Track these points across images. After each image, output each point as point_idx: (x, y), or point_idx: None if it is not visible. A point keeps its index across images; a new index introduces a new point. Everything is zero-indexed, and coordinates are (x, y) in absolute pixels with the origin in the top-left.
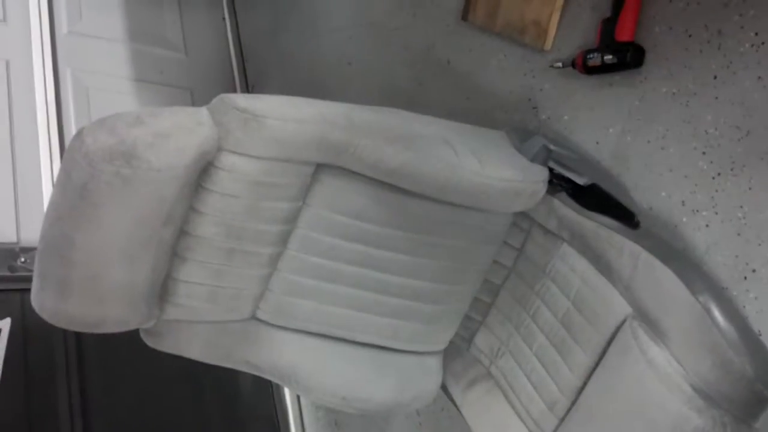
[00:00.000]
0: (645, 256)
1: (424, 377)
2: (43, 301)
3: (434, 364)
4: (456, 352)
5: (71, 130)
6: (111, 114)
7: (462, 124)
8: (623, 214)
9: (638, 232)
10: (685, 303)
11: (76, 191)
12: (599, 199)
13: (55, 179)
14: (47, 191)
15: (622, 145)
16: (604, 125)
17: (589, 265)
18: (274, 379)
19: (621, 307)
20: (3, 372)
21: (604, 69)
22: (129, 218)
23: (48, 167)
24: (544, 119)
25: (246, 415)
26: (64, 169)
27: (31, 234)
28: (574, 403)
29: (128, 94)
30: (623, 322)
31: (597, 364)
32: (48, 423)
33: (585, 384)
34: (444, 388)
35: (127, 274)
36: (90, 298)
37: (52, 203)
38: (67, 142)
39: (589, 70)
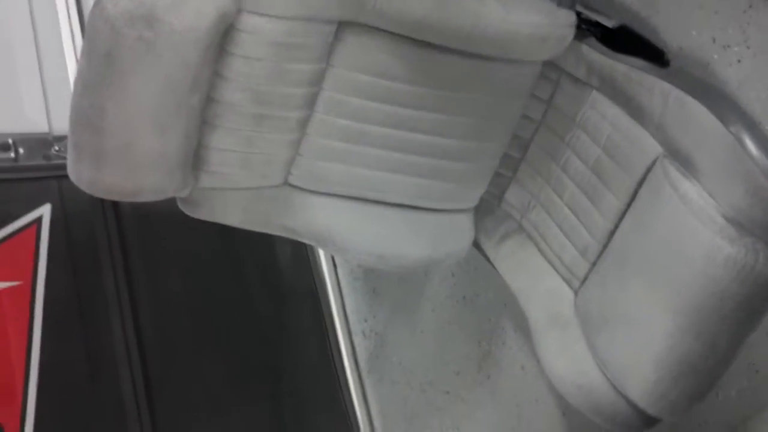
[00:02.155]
0: (676, 93)
1: (456, 234)
2: (80, 172)
3: (466, 221)
4: (487, 209)
5: (89, 6)
6: None
7: None
8: (653, 54)
9: (669, 71)
10: (717, 134)
11: (101, 59)
12: (629, 41)
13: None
14: (73, 77)
15: None
16: None
17: (619, 110)
18: (311, 242)
19: (652, 148)
20: (48, 256)
21: None
22: (156, 84)
23: (72, 52)
24: None
25: (287, 289)
26: (87, 38)
27: (62, 122)
28: (605, 246)
29: None
30: (654, 162)
31: (628, 207)
32: (96, 302)
33: (616, 227)
34: (477, 245)
35: (159, 142)
36: (125, 167)
37: (79, 73)
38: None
39: None
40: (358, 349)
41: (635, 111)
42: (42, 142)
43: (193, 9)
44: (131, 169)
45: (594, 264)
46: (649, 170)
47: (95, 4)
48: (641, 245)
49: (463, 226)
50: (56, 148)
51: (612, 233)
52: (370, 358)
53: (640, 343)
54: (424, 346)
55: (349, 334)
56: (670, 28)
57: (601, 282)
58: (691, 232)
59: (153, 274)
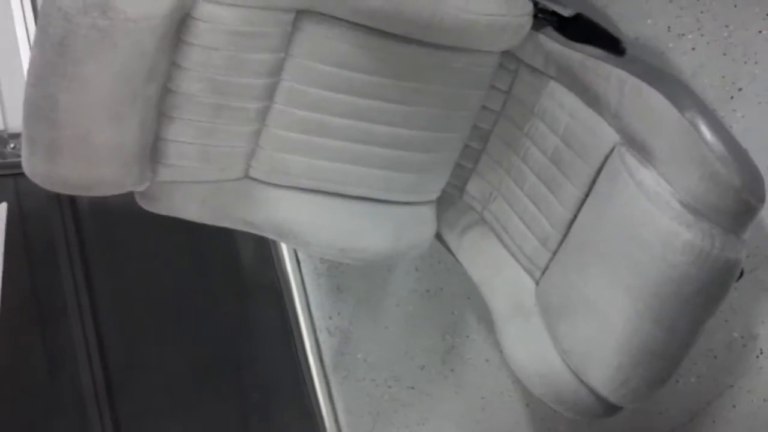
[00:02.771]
0: (632, 80)
1: (418, 226)
2: (34, 166)
3: (428, 213)
4: (449, 201)
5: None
6: None
7: None
8: (609, 42)
9: (625, 59)
10: (672, 121)
11: (54, 48)
12: (585, 30)
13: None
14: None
15: None
16: None
17: (576, 99)
18: (272, 236)
19: (609, 136)
20: (5, 256)
21: None
22: (111, 74)
23: (26, 45)
24: None
25: (249, 285)
26: (40, 27)
27: (18, 120)
28: (565, 236)
29: None
30: (612, 150)
31: (587, 195)
32: (55, 301)
33: (576, 216)
34: (439, 237)
35: (115, 133)
36: (81, 159)
37: (32, 63)
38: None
39: None
40: (322, 347)
41: (592, 100)
42: None
43: None
44: (87, 161)
45: (555, 253)
46: (606, 158)
47: None
48: (600, 233)
49: (426, 218)
50: (11, 145)
51: (572, 222)
52: (335, 355)
53: (600, 330)
54: (388, 342)
55: (313, 331)
56: (626, 17)
57: (562, 271)
58: (648, 218)
59: (112, 271)
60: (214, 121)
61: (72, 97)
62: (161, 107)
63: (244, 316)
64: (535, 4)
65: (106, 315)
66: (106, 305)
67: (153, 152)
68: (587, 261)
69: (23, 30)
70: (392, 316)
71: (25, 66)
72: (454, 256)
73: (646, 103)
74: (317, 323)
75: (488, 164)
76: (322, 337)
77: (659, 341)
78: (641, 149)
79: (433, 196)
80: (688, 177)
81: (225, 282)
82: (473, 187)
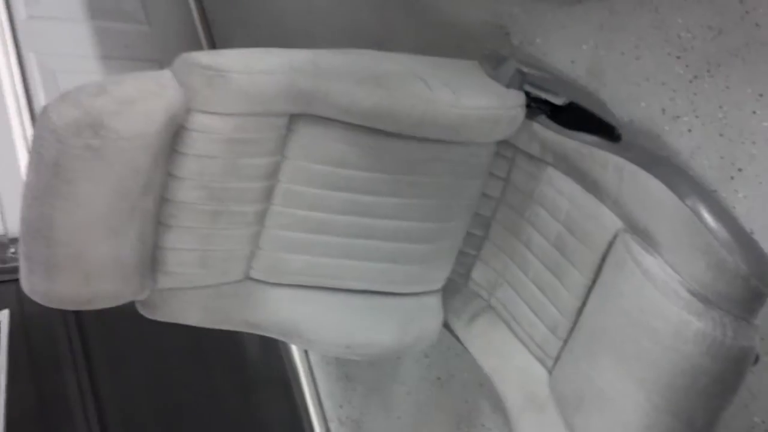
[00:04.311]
0: (629, 167)
1: (424, 317)
2: (32, 284)
3: (434, 303)
4: (455, 289)
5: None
6: (73, 87)
7: (433, 57)
8: (603, 129)
9: (620, 145)
10: (673, 208)
11: (49, 169)
12: (578, 117)
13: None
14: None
15: (596, 61)
16: (577, 42)
17: (575, 185)
18: (276, 336)
19: (612, 222)
20: (9, 363)
21: None
22: (106, 191)
23: (25, 155)
24: (516, 45)
25: (256, 378)
26: (34, 148)
27: (18, 224)
28: (575, 324)
29: (96, 72)
30: (615, 237)
31: (594, 282)
32: (60, 409)
33: (584, 303)
34: (447, 326)
35: (112, 248)
36: (78, 276)
37: (27, 184)
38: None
39: None
40: (323, 402)
41: (591, 186)
42: None
43: (140, 113)
44: (85, 277)
45: (566, 342)
46: (611, 245)
47: (41, 114)
48: (609, 322)
49: (432, 308)
50: (12, 250)
51: (580, 310)
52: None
53: (616, 423)
54: (401, 428)
55: (324, 421)
56: (619, 101)
57: (574, 360)
58: (657, 307)
59: (116, 372)
60: (212, 226)
61: (67, 215)
62: (159, 217)
63: (252, 412)
64: (527, 94)
65: (113, 419)
66: (112, 408)
67: (152, 261)
68: (598, 351)
69: (21, 134)
70: (403, 405)
71: (24, 169)
72: (463, 345)
73: (645, 190)
74: (328, 413)
75: (491, 251)
76: (333, 426)
77: None
78: (645, 236)
79: (438, 286)
80: (695, 265)
81: (231, 377)
82: (478, 274)
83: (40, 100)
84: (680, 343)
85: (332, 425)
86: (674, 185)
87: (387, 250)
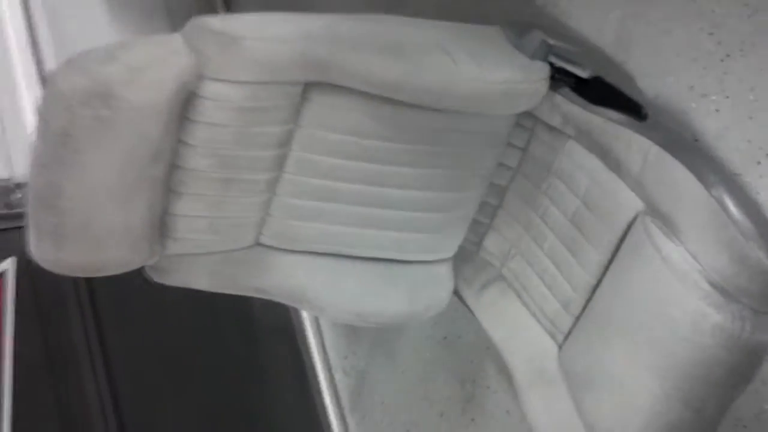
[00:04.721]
0: (655, 150)
1: (435, 285)
2: (42, 253)
3: (444, 271)
4: (466, 257)
5: (46, 51)
6: (80, 52)
7: (455, 24)
8: (630, 106)
9: (646, 125)
10: (699, 198)
11: (56, 138)
12: (604, 92)
13: (36, 108)
14: (30, 121)
15: (624, 31)
16: (603, 10)
17: (597, 161)
18: (285, 301)
19: (632, 203)
20: (16, 312)
21: None
22: (115, 161)
23: (30, 99)
24: (540, 5)
25: (262, 328)
26: (40, 116)
27: (24, 168)
28: (588, 301)
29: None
30: (635, 218)
31: (610, 261)
32: (67, 356)
33: (599, 281)
34: (456, 293)
35: (122, 216)
36: (87, 245)
37: (34, 151)
38: (43, 63)
39: None
40: (338, 386)
41: (613, 164)
42: (3, 190)
43: (151, 81)
44: (94, 246)
45: (578, 318)
46: (630, 226)
47: (48, 81)
48: (624, 305)
49: (442, 277)
50: (18, 195)
51: (595, 288)
52: (352, 396)
53: (626, 407)
54: (406, 386)
55: (329, 370)
56: (646, 74)
57: (586, 339)
58: (675, 296)
59: (123, 322)
60: (223, 194)
61: (75, 184)
62: (169, 183)
63: (258, 360)
64: (552, 65)
65: (119, 368)
66: (119, 358)
67: (162, 227)
68: (611, 333)
69: (25, 77)
70: (409, 360)
71: (29, 113)
72: (472, 313)
73: (670, 176)
74: (333, 363)
75: (505, 220)
76: (338, 376)
77: (686, 421)
78: (666, 221)
79: (450, 254)
80: (717, 257)
81: (237, 326)
82: (491, 243)
83: (44, 33)
84: (697, 334)
85: (337, 375)
86: (701, 174)
87: (400, 218)
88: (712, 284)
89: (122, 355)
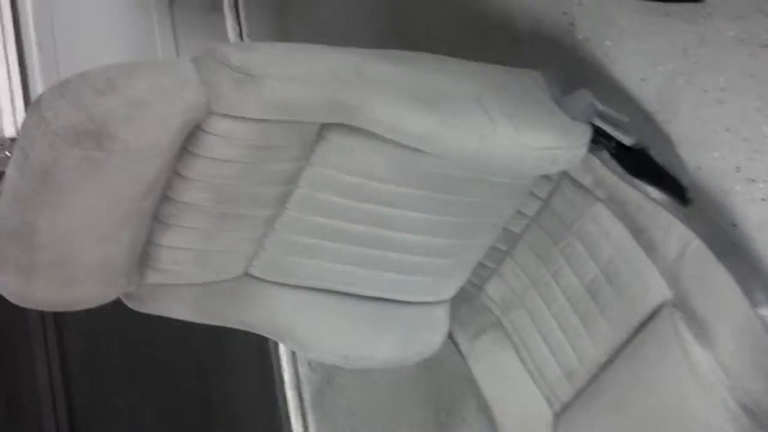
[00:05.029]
0: (697, 244)
1: (429, 329)
2: (6, 284)
3: (441, 313)
4: (464, 298)
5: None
6: (75, 75)
7: (493, 69)
8: (673, 188)
9: (689, 211)
10: (740, 313)
11: (36, 176)
12: (646, 165)
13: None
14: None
15: (671, 89)
16: (652, 61)
17: (626, 233)
18: (268, 336)
19: (660, 289)
20: None
21: None
22: (102, 201)
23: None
24: (580, 40)
25: (239, 368)
26: (20, 147)
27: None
28: (594, 377)
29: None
30: (661, 306)
31: (625, 343)
32: (18, 337)
33: (609, 360)
34: (450, 335)
35: (101, 253)
36: (59, 282)
37: (9, 181)
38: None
39: None
40: (302, 380)
41: (645, 243)
42: None
43: (154, 120)
44: (67, 283)
45: (581, 391)
46: (654, 313)
47: (32, 108)
48: (639, 399)
49: (438, 320)
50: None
51: (604, 366)
52: (316, 393)
53: None
54: (376, 398)
55: (293, 363)
56: (689, 142)
57: (589, 420)
58: (698, 409)
59: (90, 356)
60: (216, 228)
61: (53, 223)
62: (156, 213)
63: (219, 348)
64: (595, 128)
65: (73, 351)
66: (74, 341)
67: (143, 256)
68: (621, 423)
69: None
70: (383, 373)
71: (13, 72)
72: (463, 358)
73: (710, 279)
74: (298, 355)
75: (512, 269)
76: (303, 370)
77: None
78: (699, 324)
79: (448, 296)
80: (752, 381)
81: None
82: (493, 288)
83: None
84: None
85: (302, 368)
86: (747, 287)
87: (403, 261)
88: (742, 406)
89: (77, 337)
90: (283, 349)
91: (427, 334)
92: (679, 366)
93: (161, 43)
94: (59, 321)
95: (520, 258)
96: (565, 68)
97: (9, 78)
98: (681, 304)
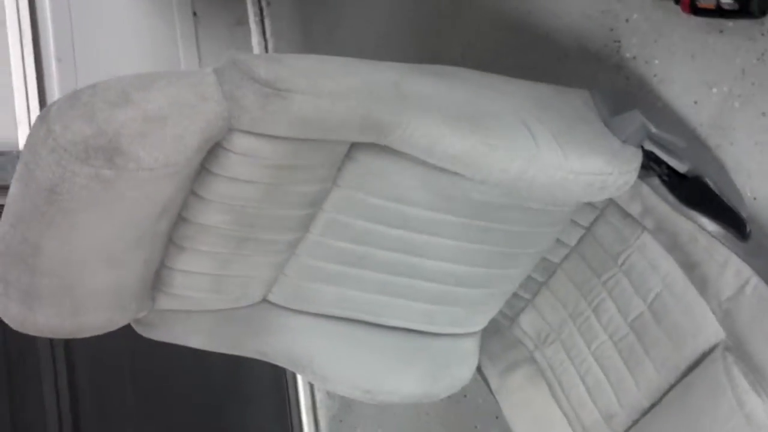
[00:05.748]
0: (756, 282)
1: (458, 363)
2: (7, 308)
3: (471, 346)
4: (495, 330)
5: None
6: (88, 86)
7: (539, 87)
8: (731, 220)
9: (748, 246)
10: None
11: (42, 194)
12: (702, 195)
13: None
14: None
15: (727, 112)
16: (706, 81)
17: (676, 268)
18: (287, 367)
19: (713, 330)
20: None
21: (717, 14)
22: (113, 223)
23: (17, 52)
24: (628, 58)
25: (254, 393)
26: (24, 162)
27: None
28: (636, 422)
29: None
30: (713, 349)
31: (671, 387)
32: (28, 365)
33: (652, 405)
34: (478, 369)
35: (111, 278)
36: (64, 308)
37: (11, 199)
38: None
39: (697, 11)
40: (319, 408)
41: (697, 279)
42: None
43: (170, 136)
44: (72, 310)
45: None
46: (705, 356)
47: (39, 120)
48: None
49: (467, 353)
50: None
51: (646, 411)
52: (332, 421)
53: None
54: (395, 430)
55: (311, 389)
56: (745, 169)
57: None
58: None
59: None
60: (234, 252)
61: (59, 246)
62: (171, 235)
63: (235, 375)
64: (645, 153)
65: (83, 381)
66: (83, 370)
67: (155, 280)
68: None
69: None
70: (405, 408)
71: (31, 84)
72: (492, 394)
73: None
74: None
75: (549, 301)
76: (320, 396)
77: None
78: (755, 371)
79: (480, 327)
80: None
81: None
82: (527, 321)
83: None
84: None
85: (318, 395)
86: None
87: (433, 291)
88: None
89: (87, 366)
90: (300, 378)
91: (455, 368)
92: (733, 416)
93: (184, 59)
94: (69, 351)
95: (558, 289)
96: (611, 88)
97: (26, 90)
98: (735, 347)
